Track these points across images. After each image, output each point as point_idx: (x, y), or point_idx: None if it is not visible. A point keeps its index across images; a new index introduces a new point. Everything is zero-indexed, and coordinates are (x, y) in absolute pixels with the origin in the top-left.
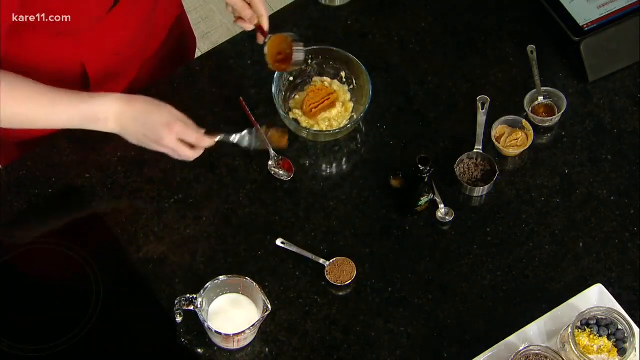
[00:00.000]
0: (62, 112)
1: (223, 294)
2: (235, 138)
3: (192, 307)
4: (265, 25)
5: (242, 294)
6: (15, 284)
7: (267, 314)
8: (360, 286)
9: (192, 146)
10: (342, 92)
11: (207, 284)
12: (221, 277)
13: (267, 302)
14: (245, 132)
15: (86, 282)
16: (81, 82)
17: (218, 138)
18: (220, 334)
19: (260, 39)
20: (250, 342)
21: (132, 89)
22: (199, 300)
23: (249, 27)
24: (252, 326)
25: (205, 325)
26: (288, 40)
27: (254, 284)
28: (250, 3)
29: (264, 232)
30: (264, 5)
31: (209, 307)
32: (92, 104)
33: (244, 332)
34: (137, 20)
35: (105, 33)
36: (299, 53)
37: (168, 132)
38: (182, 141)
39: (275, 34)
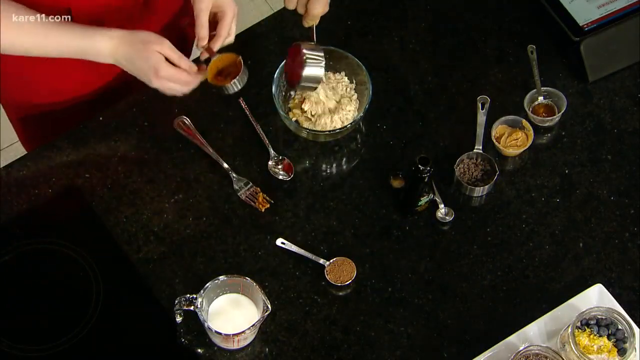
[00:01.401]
0: (57, 44)
1: (223, 294)
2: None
3: (192, 307)
4: (215, 47)
5: (242, 294)
6: (15, 284)
7: (267, 314)
8: (360, 286)
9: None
10: (348, 88)
11: (207, 284)
12: (221, 277)
13: (267, 302)
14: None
15: (86, 282)
16: None
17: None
18: (220, 334)
19: (204, 55)
20: (250, 342)
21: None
22: (199, 300)
23: (200, 50)
24: (252, 326)
25: (205, 325)
26: (237, 60)
27: (254, 284)
28: (218, 20)
29: (264, 232)
30: (230, 28)
31: (209, 307)
32: (87, 40)
33: (244, 332)
34: None
35: None
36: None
37: (155, 77)
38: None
39: (224, 54)
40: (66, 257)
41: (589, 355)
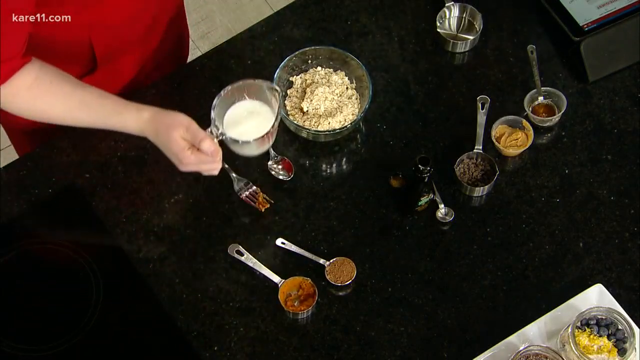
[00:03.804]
0: (87, 116)
1: (237, 102)
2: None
3: (217, 136)
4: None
5: (250, 99)
6: (15, 284)
7: (278, 94)
8: (360, 286)
9: None
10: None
11: (214, 102)
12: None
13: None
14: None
15: (86, 282)
16: (88, 58)
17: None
18: (250, 140)
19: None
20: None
21: (139, 68)
22: (213, 120)
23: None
24: (276, 118)
25: (239, 141)
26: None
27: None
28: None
29: (264, 232)
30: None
31: (223, 125)
32: (117, 118)
33: (273, 126)
34: None
35: (112, 5)
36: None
37: (180, 164)
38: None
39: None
40: (66, 257)
41: (589, 355)
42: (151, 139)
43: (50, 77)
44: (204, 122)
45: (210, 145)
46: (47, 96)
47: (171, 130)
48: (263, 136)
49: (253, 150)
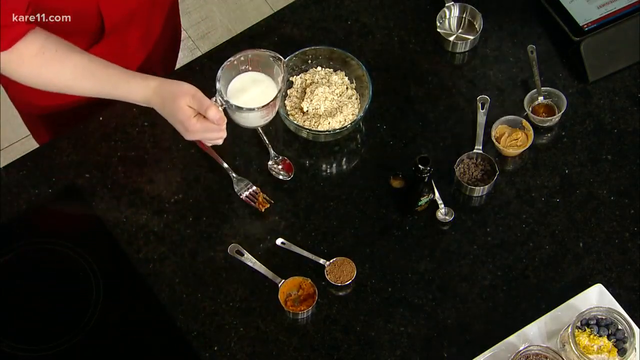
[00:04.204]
0: (93, 85)
1: (240, 73)
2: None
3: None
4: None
5: (254, 71)
6: (15, 284)
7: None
8: (360, 286)
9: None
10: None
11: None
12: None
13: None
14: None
15: (86, 282)
16: (95, 29)
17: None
18: (254, 108)
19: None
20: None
21: (146, 38)
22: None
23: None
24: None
25: (242, 109)
26: (306, 282)
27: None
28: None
29: (264, 232)
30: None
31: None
32: (123, 87)
33: (277, 94)
34: None
35: None
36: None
37: (186, 132)
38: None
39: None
40: (66, 257)
41: (589, 355)
42: (157, 108)
43: (56, 46)
44: None
45: (216, 112)
46: (53, 64)
47: (178, 98)
48: (268, 104)
49: (256, 120)
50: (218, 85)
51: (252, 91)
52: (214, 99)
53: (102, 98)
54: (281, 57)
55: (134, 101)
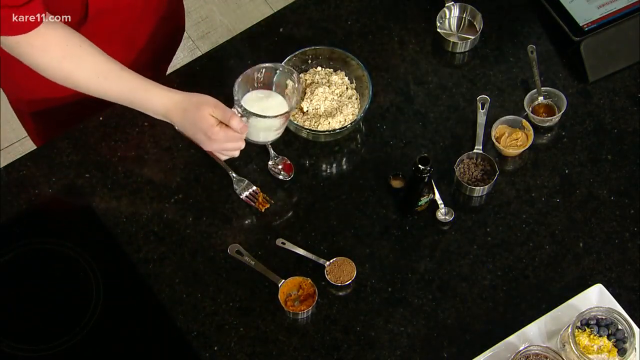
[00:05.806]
0: (113, 88)
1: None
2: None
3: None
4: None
5: (264, 88)
6: (15, 284)
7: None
8: (360, 286)
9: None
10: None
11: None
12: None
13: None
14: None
15: (86, 282)
16: (80, 10)
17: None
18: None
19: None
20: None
21: (134, 33)
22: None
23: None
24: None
25: (253, 116)
26: (307, 282)
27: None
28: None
29: (264, 232)
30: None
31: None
32: (143, 96)
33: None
34: None
35: None
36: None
37: (208, 140)
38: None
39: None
40: (66, 257)
41: (589, 355)
42: (175, 120)
43: (80, 42)
44: None
45: (239, 121)
46: (75, 57)
47: (201, 108)
48: (286, 112)
49: (270, 134)
50: (236, 97)
51: (265, 104)
52: (233, 109)
53: (92, 96)
54: (294, 70)
55: (150, 110)
